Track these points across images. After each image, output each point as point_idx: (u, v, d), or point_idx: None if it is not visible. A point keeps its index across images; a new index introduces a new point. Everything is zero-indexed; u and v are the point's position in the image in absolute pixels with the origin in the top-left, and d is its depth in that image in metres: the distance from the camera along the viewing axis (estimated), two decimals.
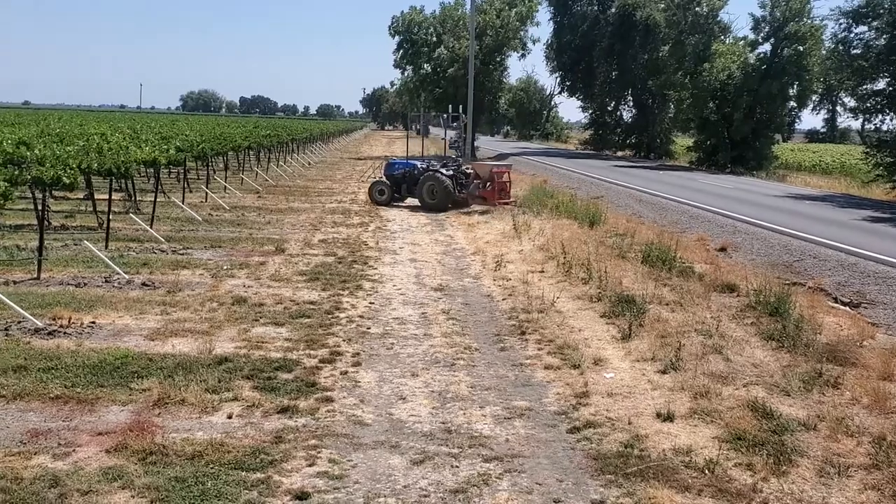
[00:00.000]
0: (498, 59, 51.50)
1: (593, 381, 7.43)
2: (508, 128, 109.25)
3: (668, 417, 6.53)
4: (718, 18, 47.38)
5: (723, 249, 15.39)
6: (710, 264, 13.23)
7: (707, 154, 47.27)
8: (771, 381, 7.37)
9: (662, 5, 53.12)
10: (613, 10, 58.11)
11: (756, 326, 9.29)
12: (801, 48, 41.51)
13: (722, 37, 47.18)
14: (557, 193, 22.57)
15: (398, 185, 22.02)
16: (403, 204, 22.14)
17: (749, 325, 9.41)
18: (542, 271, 12.57)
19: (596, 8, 62.42)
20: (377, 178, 23.48)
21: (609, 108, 65.98)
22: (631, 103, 63.98)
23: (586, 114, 69.84)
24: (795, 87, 43.74)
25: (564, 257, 12.60)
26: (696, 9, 47.24)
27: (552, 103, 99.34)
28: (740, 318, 9.69)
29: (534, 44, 55.21)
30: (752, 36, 44.52)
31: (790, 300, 9.74)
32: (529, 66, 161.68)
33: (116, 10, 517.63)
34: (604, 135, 66.11)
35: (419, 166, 22.16)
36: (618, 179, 31.57)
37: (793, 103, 46.62)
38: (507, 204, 20.65)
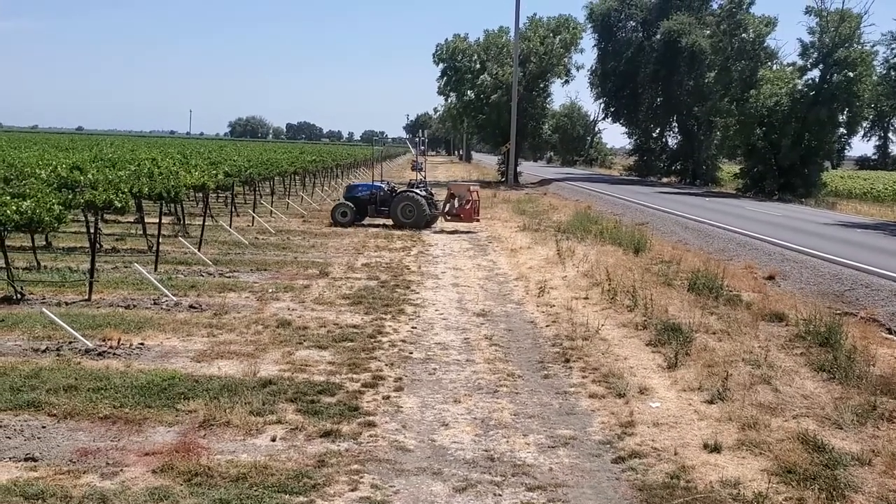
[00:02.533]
0: (542, 85, 51.66)
1: (639, 411, 7.33)
2: (552, 153, 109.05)
3: (716, 448, 6.40)
4: (765, 44, 46.91)
5: (771, 278, 15.10)
6: (757, 293, 13.00)
7: (754, 181, 46.60)
8: (822, 414, 7.18)
9: (708, 32, 52.78)
10: (658, 36, 57.84)
11: (806, 357, 9.08)
12: (851, 74, 40.81)
13: (769, 63, 46.64)
14: (602, 219, 22.46)
15: (362, 207, 22.75)
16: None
17: (798, 355, 9.20)
18: (587, 298, 12.47)
19: (640, 34, 62.26)
20: (339, 201, 23.89)
21: (654, 135, 65.53)
22: (676, 129, 63.47)
23: (631, 140, 69.46)
24: (845, 113, 42.97)
25: (609, 284, 12.48)
26: (743, 35, 46.86)
27: (596, 129, 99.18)
28: (789, 348, 9.48)
29: (578, 70, 55.12)
30: (800, 62, 43.98)
31: (841, 330, 9.51)
32: (573, 91, 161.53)
33: (167, 38, 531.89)
34: (649, 161, 65.64)
35: (385, 188, 23.16)
36: (663, 206, 31.28)
37: (843, 130, 45.78)
38: (477, 221, 22.91)
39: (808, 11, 42.02)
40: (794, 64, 45.03)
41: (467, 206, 22.45)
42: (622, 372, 8.51)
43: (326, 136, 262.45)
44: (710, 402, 7.55)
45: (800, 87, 43.23)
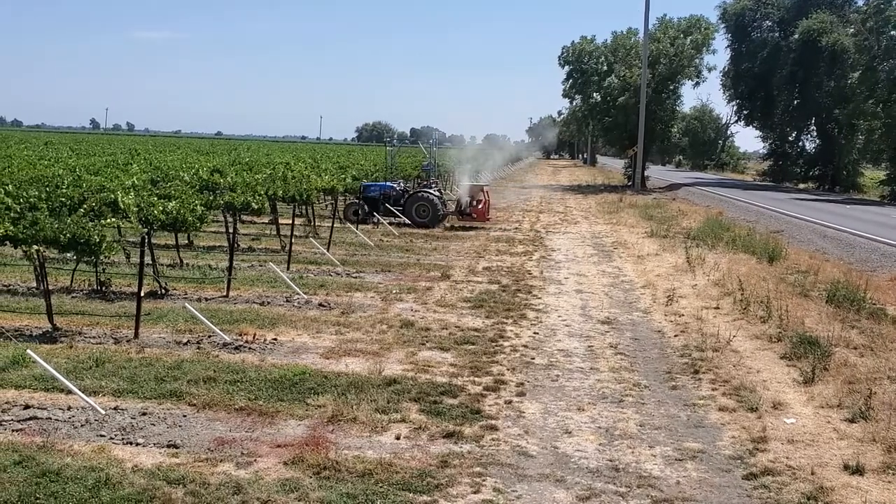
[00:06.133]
0: (671, 87, 50.11)
1: (772, 426, 7.01)
2: (681, 157, 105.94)
3: (858, 470, 6.05)
4: None
5: None
6: None
7: None
8: None
9: (852, 30, 49.92)
10: (796, 36, 55.10)
11: None
12: None
13: None
14: (734, 226, 21.62)
15: (374, 205, 23.10)
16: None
17: None
18: (718, 308, 12.03)
19: (777, 34, 59.60)
20: (351, 200, 24.08)
21: (790, 139, 62.60)
22: (814, 133, 60.37)
23: (765, 144, 66.68)
24: None
25: (741, 294, 12.00)
26: (892, 32, 44.02)
27: (728, 132, 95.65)
28: None
29: (709, 71, 52.81)
30: None
31: None
32: (704, 94, 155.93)
33: (300, 48, 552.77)
34: (784, 166, 62.75)
35: (397, 188, 24.04)
36: (799, 213, 29.82)
37: None
38: (488, 220, 23.65)
39: None
40: None
41: (480, 206, 23.25)
42: (754, 385, 8.16)
43: (449, 139, 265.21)
44: (852, 420, 7.14)
45: None
